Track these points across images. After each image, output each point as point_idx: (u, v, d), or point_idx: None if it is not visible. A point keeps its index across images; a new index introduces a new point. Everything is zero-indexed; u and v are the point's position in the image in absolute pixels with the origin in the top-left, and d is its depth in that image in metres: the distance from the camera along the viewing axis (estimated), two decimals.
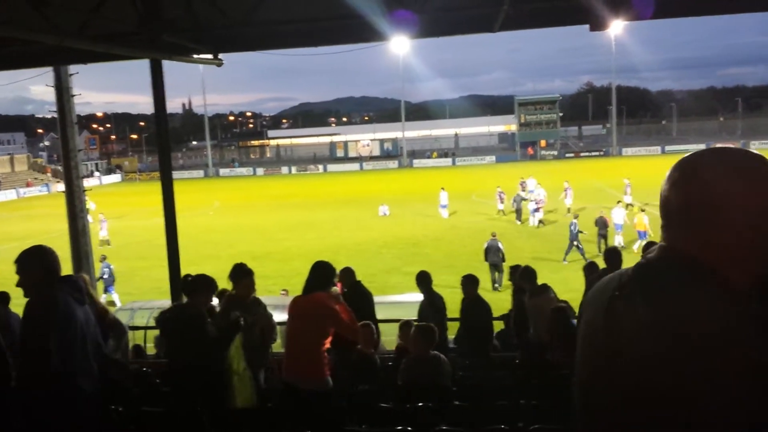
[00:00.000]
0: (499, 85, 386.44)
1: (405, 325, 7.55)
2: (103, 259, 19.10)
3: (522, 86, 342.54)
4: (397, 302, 13.43)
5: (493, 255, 18.86)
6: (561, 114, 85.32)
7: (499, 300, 15.73)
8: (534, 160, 75.32)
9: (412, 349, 6.19)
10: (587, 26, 8.04)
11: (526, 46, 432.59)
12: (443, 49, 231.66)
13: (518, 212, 29.45)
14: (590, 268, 8.86)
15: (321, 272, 5.22)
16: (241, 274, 6.05)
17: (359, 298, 8.00)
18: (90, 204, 37.04)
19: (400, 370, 6.01)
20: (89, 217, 35.91)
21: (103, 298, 17.19)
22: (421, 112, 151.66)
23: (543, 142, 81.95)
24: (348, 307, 5.23)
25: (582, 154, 79.05)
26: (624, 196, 29.60)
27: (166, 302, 11.31)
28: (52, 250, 3.76)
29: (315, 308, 5.00)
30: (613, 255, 7.62)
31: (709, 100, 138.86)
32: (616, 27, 8.79)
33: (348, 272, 8.74)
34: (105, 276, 18.50)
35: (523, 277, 8.08)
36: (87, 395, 3.51)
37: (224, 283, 6.42)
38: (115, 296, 18.84)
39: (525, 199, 29.81)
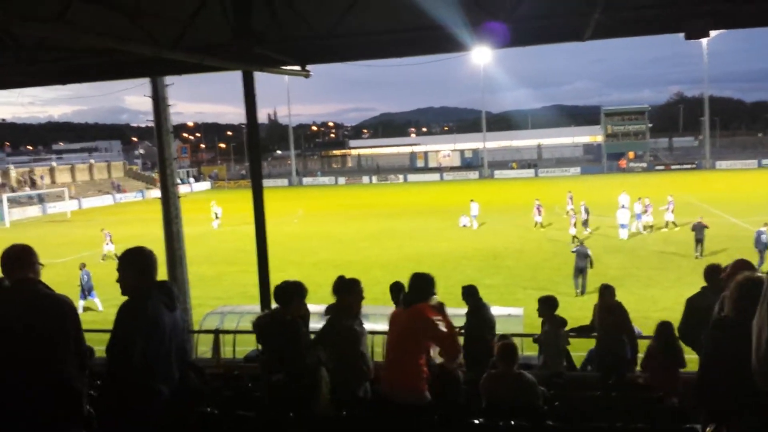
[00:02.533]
0: (584, 95, 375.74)
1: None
2: (83, 266, 20.16)
3: (608, 96, 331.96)
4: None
5: (581, 260, 19.30)
6: (650, 125, 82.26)
7: (576, 307, 15.25)
8: (622, 173, 72.78)
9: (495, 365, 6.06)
10: (681, 35, 7.72)
11: (612, 55, 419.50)
12: (525, 57, 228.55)
13: (585, 223, 29.77)
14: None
15: (419, 283, 5.11)
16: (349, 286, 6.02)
17: None
18: (216, 208, 38.68)
19: (481, 386, 5.89)
20: (216, 223, 37.31)
21: (81, 305, 18.11)
22: (502, 122, 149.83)
23: (631, 154, 79.20)
24: (449, 319, 5.06)
25: (673, 167, 75.71)
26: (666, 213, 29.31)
27: (255, 307, 11.61)
28: (149, 253, 3.79)
29: (413, 320, 4.90)
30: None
31: None
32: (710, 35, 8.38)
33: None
34: (83, 282, 19.68)
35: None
36: (165, 400, 3.56)
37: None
38: (96, 301, 19.74)
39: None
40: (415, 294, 5.04)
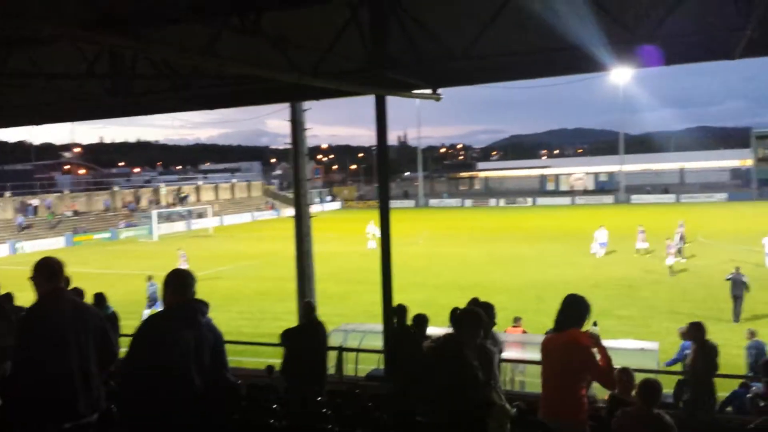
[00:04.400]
0: (733, 115, 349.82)
1: (622, 372, 6.97)
2: (150, 279, 21.09)
3: (760, 117, 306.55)
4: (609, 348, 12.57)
5: (737, 288, 18.80)
6: None
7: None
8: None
9: (632, 402, 5.69)
10: None
11: (763, 73, 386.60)
12: (669, 76, 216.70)
13: (679, 251, 28.41)
14: None
15: (575, 307, 4.93)
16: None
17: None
18: (375, 229, 39.46)
19: (613, 423, 5.55)
20: (373, 243, 38.18)
21: (145, 314, 18.69)
22: (641, 144, 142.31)
23: None
24: (606, 351, 4.89)
25: None
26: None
27: (377, 326, 11.75)
28: (185, 273, 4.12)
29: (570, 350, 4.78)
30: None
31: None
32: None
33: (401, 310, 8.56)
34: (150, 293, 20.80)
35: None
36: (170, 417, 3.71)
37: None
38: None
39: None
40: (569, 318, 4.88)
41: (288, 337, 9.11)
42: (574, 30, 6.76)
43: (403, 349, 8.29)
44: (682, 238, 29.57)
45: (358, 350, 12.66)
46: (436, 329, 8.93)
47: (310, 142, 17.85)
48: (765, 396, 7.19)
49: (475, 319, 5.21)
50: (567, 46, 7.04)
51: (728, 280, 19.13)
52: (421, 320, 8.38)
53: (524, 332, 14.34)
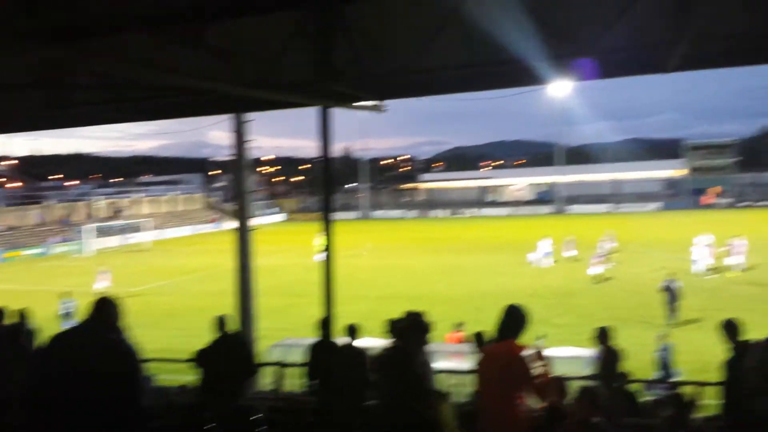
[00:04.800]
0: (668, 127, 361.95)
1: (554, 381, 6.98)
2: (64, 295, 20.91)
3: (691, 129, 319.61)
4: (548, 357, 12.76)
5: (671, 294, 19.61)
6: (737, 159, 78.81)
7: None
8: (705, 209, 69.88)
9: (568, 411, 5.70)
10: None
11: (697, 86, 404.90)
12: (605, 89, 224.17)
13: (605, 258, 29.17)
14: None
15: (513, 318, 4.91)
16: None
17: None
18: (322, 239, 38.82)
19: None
20: (320, 256, 37.58)
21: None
22: (579, 155, 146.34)
23: (717, 189, 75.97)
24: (549, 365, 4.88)
25: (760, 203, 71.94)
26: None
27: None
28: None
29: (507, 360, 4.75)
30: None
31: None
32: None
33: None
34: (64, 311, 20.43)
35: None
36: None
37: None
38: None
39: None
40: (506, 328, 4.85)
41: (202, 356, 8.65)
42: (516, 44, 6.88)
43: (326, 362, 8.13)
44: (607, 247, 30.50)
45: (299, 365, 12.45)
46: (378, 341, 8.88)
47: (254, 153, 17.62)
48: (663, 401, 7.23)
49: (422, 329, 5.19)
50: (509, 60, 7.16)
51: (663, 286, 19.85)
52: (353, 331, 8.22)
53: (463, 340, 14.54)
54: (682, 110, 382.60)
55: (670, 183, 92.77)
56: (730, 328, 6.82)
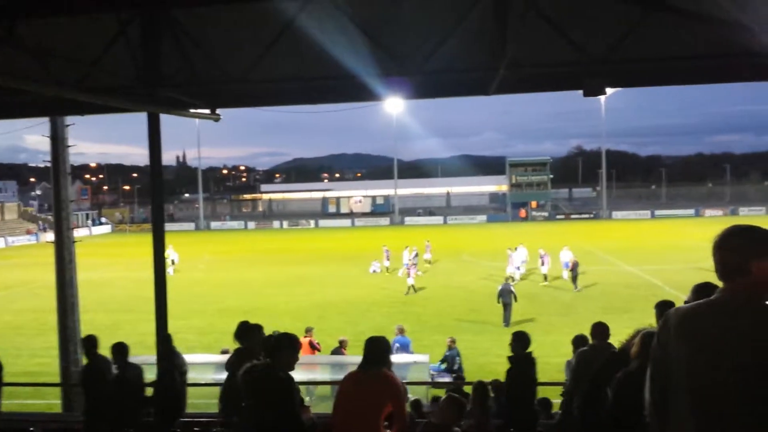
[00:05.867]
0: (491, 145, 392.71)
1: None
2: None
3: (513, 148, 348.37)
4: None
5: (506, 297, 20.91)
6: (552, 176, 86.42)
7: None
8: (525, 222, 75.89)
9: (437, 419, 5.81)
10: (581, 91, 8.22)
11: (517, 108, 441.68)
12: (437, 108, 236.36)
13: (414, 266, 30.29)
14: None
15: (379, 346, 4.97)
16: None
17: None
18: (173, 254, 36.18)
19: None
20: (170, 269, 35.00)
21: None
22: (413, 170, 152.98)
23: (534, 204, 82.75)
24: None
25: (573, 216, 79.64)
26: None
27: (150, 357, 11.01)
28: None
29: (382, 388, 4.78)
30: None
31: (697, 166, 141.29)
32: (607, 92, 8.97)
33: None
34: None
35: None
36: None
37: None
38: None
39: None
40: (374, 358, 4.90)
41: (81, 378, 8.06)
42: (349, 60, 7.08)
43: (93, 384, 7.76)
44: (416, 256, 32.52)
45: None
46: (212, 356, 8.66)
47: (78, 160, 16.40)
48: None
49: (292, 343, 5.04)
50: (342, 75, 7.35)
51: (498, 291, 21.25)
52: (121, 349, 7.86)
53: (312, 343, 14.58)
54: (504, 130, 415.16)
55: (494, 197, 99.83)
56: (519, 339, 7.55)
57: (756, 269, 2.30)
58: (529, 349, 7.53)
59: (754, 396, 2.22)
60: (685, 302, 3.59)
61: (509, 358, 7.60)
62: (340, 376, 5.30)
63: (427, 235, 45.19)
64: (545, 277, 28.81)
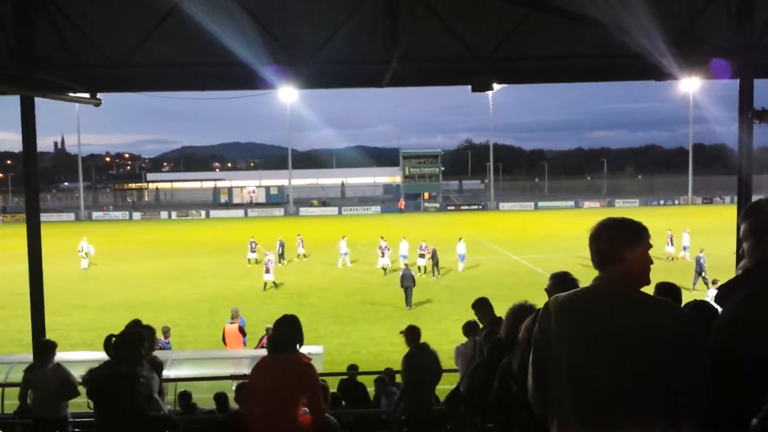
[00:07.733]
0: (385, 137, 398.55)
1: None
2: None
3: (406, 140, 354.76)
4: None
5: (407, 281, 22.26)
6: (443, 168, 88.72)
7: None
8: (417, 212, 77.47)
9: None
10: (469, 87, 8.52)
11: (410, 101, 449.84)
12: (332, 99, 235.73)
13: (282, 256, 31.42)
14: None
15: (290, 328, 4.71)
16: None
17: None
18: (88, 246, 33.37)
19: None
20: (85, 262, 32.31)
21: None
22: (308, 160, 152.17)
23: (426, 195, 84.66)
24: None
25: (462, 208, 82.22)
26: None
27: (28, 356, 10.37)
28: None
29: (297, 371, 4.60)
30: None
31: (576, 160, 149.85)
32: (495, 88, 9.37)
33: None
34: None
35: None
36: None
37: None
38: None
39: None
40: (285, 340, 4.67)
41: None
42: (238, 47, 6.95)
43: None
44: (282, 245, 33.56)
45: (4, 385, 11.02)
46: (96, 354, 8.22)
47: None
48: None
49: (136, 341, 4.91)
50: (231, 62, 7.21)
51: (401, 275, 22.56)
52: (47, 347, 7.48)
53: (241, 329, 14.05)
54: (397, 123, 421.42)
55: (388, 188, 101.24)
56: (411, 332, 7.88)
57: (629, 257, 2.47)
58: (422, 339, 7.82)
59: (631, 382, 2.34)
60: (545, 290, 3.88)
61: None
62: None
63: (323, 226, 45.12)
64: (421, 269, 29.18)
